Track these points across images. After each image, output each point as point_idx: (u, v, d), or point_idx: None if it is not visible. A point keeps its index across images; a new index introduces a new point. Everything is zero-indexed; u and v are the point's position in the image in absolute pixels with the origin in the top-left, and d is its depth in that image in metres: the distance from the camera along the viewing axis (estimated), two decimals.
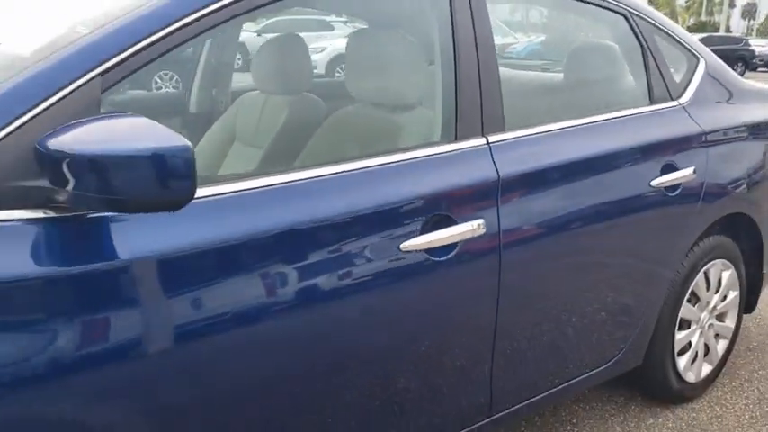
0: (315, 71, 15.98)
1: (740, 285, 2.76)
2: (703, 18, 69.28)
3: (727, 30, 48.65)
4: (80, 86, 1.23)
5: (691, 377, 2.65)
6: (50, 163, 1.14)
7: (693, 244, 2.45)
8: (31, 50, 1.33)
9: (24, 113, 1.18)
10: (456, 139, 1.78)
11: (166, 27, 1.35)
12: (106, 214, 1.23)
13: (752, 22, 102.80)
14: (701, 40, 2.95)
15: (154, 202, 1.14)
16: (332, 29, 21.41)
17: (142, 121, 1.17)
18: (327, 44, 16.81)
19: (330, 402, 1.57)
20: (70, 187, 1.13)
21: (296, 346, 1.45)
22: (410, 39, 1.89)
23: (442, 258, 1.65)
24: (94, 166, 1.11)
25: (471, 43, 1.82)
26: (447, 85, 1.81)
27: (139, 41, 1.31)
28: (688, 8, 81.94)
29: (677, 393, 2.64)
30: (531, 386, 2.08)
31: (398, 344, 1.66)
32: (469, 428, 1.91)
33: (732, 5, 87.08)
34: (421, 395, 1.76)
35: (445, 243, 1.65)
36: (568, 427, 2.49)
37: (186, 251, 1.29)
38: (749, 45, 31.61)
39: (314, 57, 16.26)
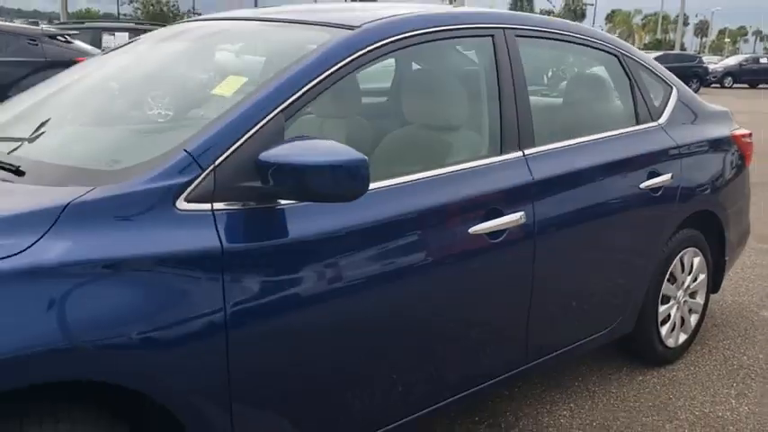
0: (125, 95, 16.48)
1: (707, 269, 3.42)
2: (659, 36, 71.66)
3: (682, 47, 50.60)
4: (273, 118, 1.80)
5: (671, 343, 3.28)
6: (264, 169, 1.70)
7: (672, 234, 3.09)
8: (229, 92, 1.89)
9: (242, 137, 1.74)
10: (501, 153, 2.38)
11: (316, 77, 1.92)
12: (293, 203, 1.78)
13: (704, 39, 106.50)
14: (657, 58, 3.60)
15: (338, 195, 1.71)
16: None
17: (327, 142, 1.74)
18: (146, 62, 17.38)
19: (442, 331, 2.18)
20: (271, 184, 1.70)
21: (417, 291, 2.05)
22: (465, 78, 2.50)
23: (496, 240, 2.25)
24: (296, 172, 1.67)
25: (509, 81, 2.43)
26: (493, 112, 2.41)
27: (302, 87, 1.88)
28: (644, 26, 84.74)
29: (660, 356, 3.27)
30: (555, 343, 2.68)
31: (468, 296, 2.24)
32: (515, 371, 2.50)
33: (686, 23, 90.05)
34: (488, 337, 2.37)
35: (498, 229, 2.25)
36: (575, 383, 3.09)
37: (353, 228, 1.87)
38: (703, 62, 33.15)
39: (129, 77, 16.71)
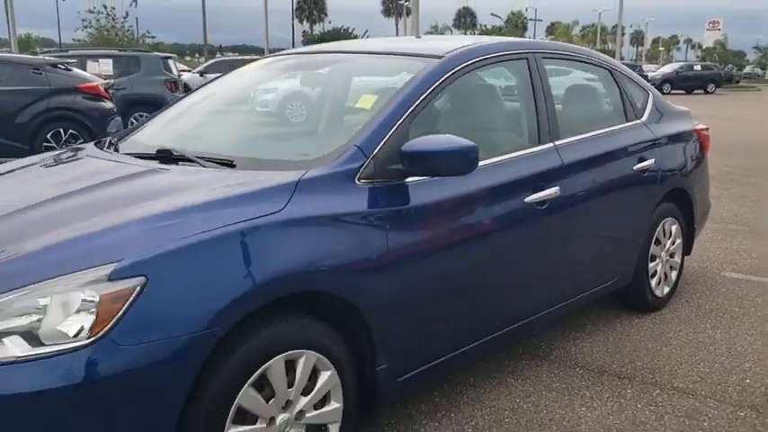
0: (267, 109, 17.31)
1: (682, 234, 4.35)
2: (598, 46, 74.58)
3: (621, 57, 52.99)
4: (402, 122, 2.61)
5: (658, 293, 4.18)
6: (404, 156, 2.50)
7: (656, 206, 4.00)
8: (368, 106, 2.70)
9: (387, 135, 2.54)
10: (539, 143, 3.24)
11: (423, 93, 2.74)
12: (415, 180, 2.57)
13: (639, 48, 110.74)
14: None
15: (456, 171, 2.52)
16: None
17: (445, 135, 2.55)
18: (279, 84, 18.02)
19: (511, 269, 3.03)
20: (407, 167, 2.50)
21: (496, 239, 2.87)
22: (513, 90, 3.35)
23: (541, 208, 3.09)
24: (420, 157, 2.47)
25: (542, 95, 3.29)
26: (532, 113, 3.27)
27: (416, 101, 2.69)
28: (583, 37, 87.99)
29: (651, 304, 4.16)
30: (580, 287, 3.54)
31: (526, 247, 3.08)
32: (558, 306, 3.35)
33: (622, 34, 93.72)
34: (540, 278, 3.21)
35: (542, 199, 3.10)
36: (589, 326, 3.94)
37: (454, 195, 2.68)
38: (643, 70, 35.05)
39: (266, 96, 17.50)
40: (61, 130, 9.57)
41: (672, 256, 4.31)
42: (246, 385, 2.08)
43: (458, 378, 3.20)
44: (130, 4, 35.64)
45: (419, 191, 2.59)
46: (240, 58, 21.94)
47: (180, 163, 2.65)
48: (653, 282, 4.13)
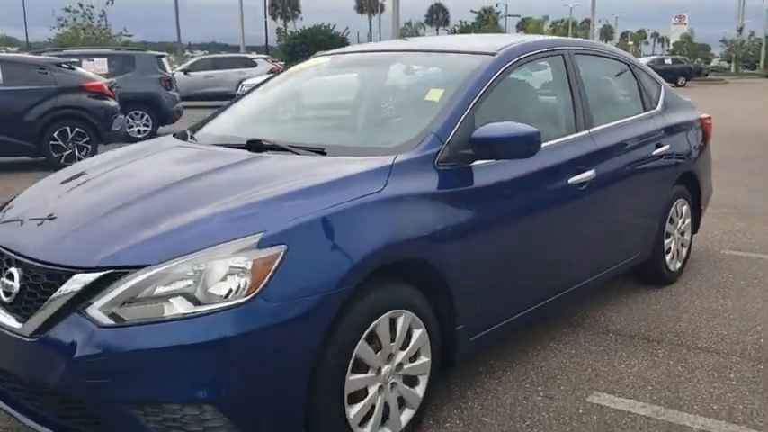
0: (340, 102, 17.52)
1: (691, 214, 4.75)
2: None
3: None
4: (469, 112, 2.95)
5: (672, 268, 4.59)
6: (473, 142, 2.84)
7: (671, 188, 4.39)
8: (437, 98, 3.03)
9: (457, 124, 2.88)
10: (576, 131, 3.60)
11: (481, 88, 3.08)
12: (483, 162, 2.91)
13: (609, 42, 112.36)
14: None
15: (520, 153, 2.87)
16: (255, 65, 22.91)
17: (510, 123, 2.89)
18: (344, 79, 18.34)
19: (558, 242, 3.38)
20: (476, 152, 2.84)
21: (546, 215, 3.22)
22: (555, 83, 3.70)
23: (581, 188, 3.46)
24: (489, 143, 2.82)
25: (577, 87, 3.66)
26: (568, 106, 3.63)
27: (478, 93, 3.04)
28: (554, 32, 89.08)
29: (666, 277, 4.56)
30: (609, 261, 3.91)
31: (570, 223, 3.44)
32: (596, 276, 3.72)
33: (589, 29, 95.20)
34: (582, 251, 3.58)
35: (582, 181, 3.46)
36: (614, 298, 4.32)
37: (511, 176, 3.02)
38: None
39: (337, 90, 17.66)
40: (68, 129, 9.74)
41: (682, 234, 4.71)
42: (362, 339, 2.40)
43: (507, 345, 3.55)
44: (107, 3, 35.34)
45: (484, 173, 2.94)
46: (226, 55, 22.06)
47: (268, 152, 2.96)
48: (668, 257, 4.53)
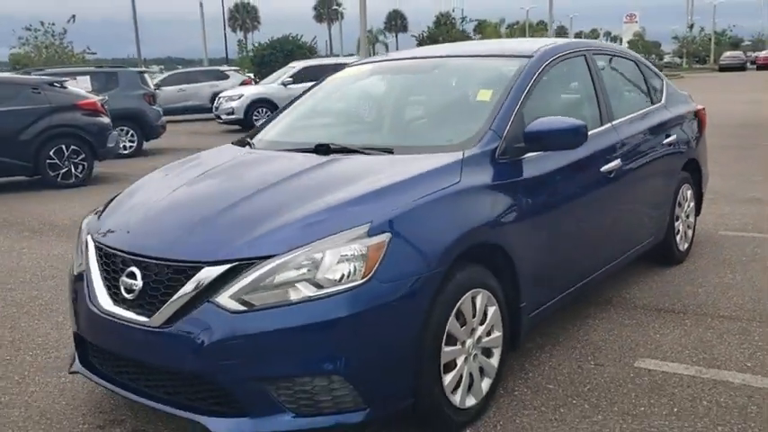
0: (234, 116, 17.69)
1: (695, 198, 5.14)
2: None
3: None
4: (518, 109, 3.26)
5: (681, 248, 4.96)
6: (527, 136, 3.15)
7: (678, 175, 4.77)
8: (488, 98, 3.33)
9: (510, 120, 3.18)
10: (601, 124, 3.94)
11: (525, 87, 3.39)
12: (532, 154, 3.22)
13: None
14: None
15: (569, 145, 3.18)
16: (227, 77, 23.02)
17: (558, 117, 3.20)
18: (244, 91, 18.44)
19: (597, 225, 3.70)
20: (528, 145, 3.16)
21: (585, 200, 3.54)
22: (581, 80, 4.03)
23: (610, 176, 3.79)
24: (542, 136, 3.13)
25: (599, 84, 4.00)
26: (593, 102, 3.96)
27: (523, 92, 3.35)
28: (511, 34, 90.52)
29: (676, 257, 4.93)
30: (633, 243, 4.25)
31: (603, 209, 3.77)
32: (625, 256, 4.06)
33: (547, 29, 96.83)
34: (614, 232, 3.92)
35: (612, 169, 3.79)
36: (633, 278, 4.67)
37: (557, 166, 3.34)
38: None
39: (232, 104, 17.89)
40: (63, 147, 9.81)
41: (688, 216, 5.09)
42: (452, 315, 2.68)
43: (549, 324, 3.86)
44: (68, 21, 34.99)
45: (534, 164, 3.25)
46: (198, 69, 22.15)
47: (335, 154, 3.22)
48: (677, 238, 4.90)
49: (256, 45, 28.34)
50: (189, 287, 2.45)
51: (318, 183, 2.88)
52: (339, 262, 2.42)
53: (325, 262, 2.41)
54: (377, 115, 3.80)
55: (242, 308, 2.38)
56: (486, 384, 2.93)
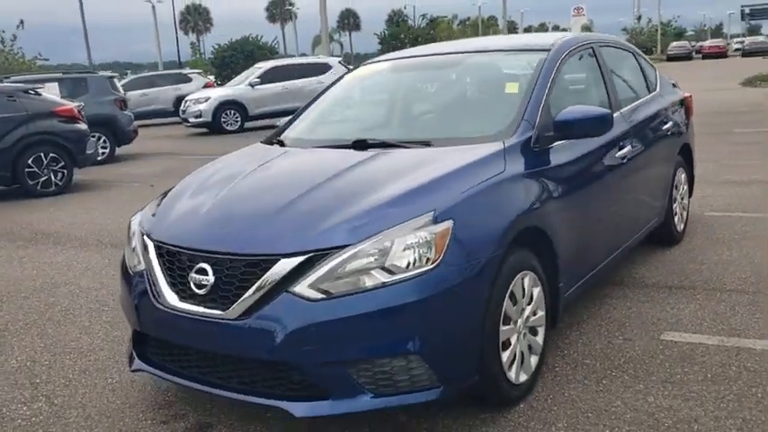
0: (202, 119, 17.59)
1: (688, 180, 5.41)
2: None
3: None
4: (545, 100, 3.43)
5: (679, 229, 5.22)
6: (556, 125, 3.33)
7: (675, 159, 5.02)
8: (516, 90, 3.50)
9: (539, 110, 3.35)
10: (612, 113, 4.14)
11: (549, 79, 3.57)
12: (557, 143, 3.39)
13: None
14: None
15: (595, 132, 3.37)
16: (190, 80, 22.83)
17: (584, 107, 3.38)
18: (211, 93, 18.34)
19: (614, 207, 3.89)
20: (557, 133, 3.33)
21: (604, 182, 3.74)
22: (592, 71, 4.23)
23: (623, 161, 4.00)
24: (571, 124, 3.31)
25: (607, 74, 4.21)
26: (602, 91, 4.16)
27: (548, 83, 3.52)
28: (464, 32, 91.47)
29: (675, 237, 5.19)
30: (641, 225, 4.48)
31: (619, 190, 3.97)
32: (629, 242, 4.27)
33: (497, 24, 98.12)
34: (629, 214, 4.12)
35: (624, 155, 4.00)
36: (640, 257, 4.89)
37: (580, 154, 3.52)
38: None
39: (199, 107, 17.77)
40: (42, 155, 9.68)
41: (683, 198, 5.36)
42: (507, 296, 2.84)
43: (571, 305, 4.04)
44: (17, 26, 34.09)
45: (561, 152, 3.42)
46: (161, 72, 21.94)
47: (372, 149, 3.35)
48: (675, 219, 5.15)
49: (216, 47, 28.06)
50: (266, 279, 2.55)
51: (372, 176, 3.00)
52: (408, 249, 2.55)
53: (395, 249, 2.54)
54: (405, 110, 3.93)
55: (320, 296, 2.50)
56: (534, 361, 3.10)
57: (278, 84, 18.28)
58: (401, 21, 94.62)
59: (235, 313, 2.59)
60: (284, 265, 2.55)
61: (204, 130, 18.27)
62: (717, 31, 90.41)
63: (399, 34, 22.80)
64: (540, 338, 3.15)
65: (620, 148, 3.97)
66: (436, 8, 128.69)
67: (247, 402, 2.68)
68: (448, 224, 2.61)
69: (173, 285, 2.81)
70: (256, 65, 19.80)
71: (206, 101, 17.74)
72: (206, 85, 22.88)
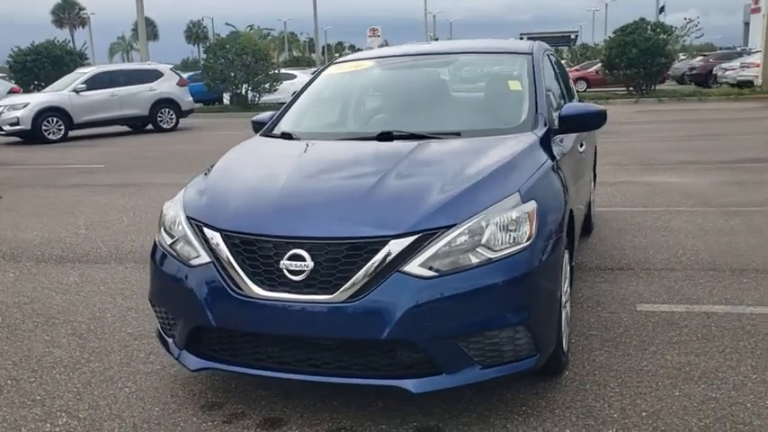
0: (20, 127, 15.94)
1: (593, 175, 6.07)
2: (295, 54, 78.10)
3: (312, 62, 56.93)
4: (545, 96, 3.76)
5: (592, 219, 5.84)
6: (560, 119, 3.67)
7: (593, 151, 5.63)
8: (519, 87, 3.79)
9: (545, 104, 3.67)
10: None
11: (541, 77, 3.92)
12: (557, 136, 3.74)
13: (312, 54, 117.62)
14: None
15: (594, 126, 3.76)
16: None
17: (583, 104, 3.76)
18: (29, 99, 16.80)
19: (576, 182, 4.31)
20: (561, 126, 3.69)
21: (574, 163, 4.15)
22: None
23: (582, 154, 4.46)
24: (576, 119, 3.68)
25: (561, 76, 4.66)
26: (560, 91, 4.60)
27: (542, 81, 3.86)
28: (272, 45, 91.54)
29: (591, 225, 5.79)
30: (586, 206, 4.98)
31: (583, 175, 4.41)
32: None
33: (298, 41, 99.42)
34: (581, 198, 4.56)
35: (582, 150, 4.46)
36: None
37: (572, 145, 3.90)
38: None
39: (15, 114, 16.11)
40: None
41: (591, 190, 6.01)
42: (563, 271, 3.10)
43: None
44: None
45: (560, 145, 3.76)
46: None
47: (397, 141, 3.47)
48: (591, 208, 5.77)
49: (14, 50, 25.51)
50: (376, 260, 2.57)
51: (441, 161, 3.16)
52: (507, 227, 2.70)
53: (495, 228, 2.68)
54: (414, 105, 4.03)
55: (433, 274, 2.57)
56: (567, 332, 3.39)
57: (106, 90, 17.12)
58: (200, 32, 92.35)
59: (343, 296, 2.58)
60: (394, 246, 2.59)
61: (18, 139, 16.58)
62: None
63: (226, 44, 22.38)
64: (569, 310, 3.44)
65: (581, 144, 4.43)
66: (236, 19, 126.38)
67: (355, 385, 2.68)
68: (533, 204, 2.81)
69: (254, 275, 2.71)
70: (79, 70, 18.37)
71: (24, 107, 16.12)
72: (11, 91, 20.78)
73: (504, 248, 2.68)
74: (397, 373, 2.65)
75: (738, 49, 39.05)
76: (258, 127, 4.21)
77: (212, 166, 3.50)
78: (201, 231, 2.88)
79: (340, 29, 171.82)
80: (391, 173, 3.00)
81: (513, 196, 2.80)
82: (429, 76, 4.39)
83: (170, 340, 3.05)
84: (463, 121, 3.85)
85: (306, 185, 3.06)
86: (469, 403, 2.99)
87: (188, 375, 3.32)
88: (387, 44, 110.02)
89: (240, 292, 2.71)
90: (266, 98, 25.04)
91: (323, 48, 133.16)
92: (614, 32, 25.12)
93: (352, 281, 2.58)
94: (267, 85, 24.75)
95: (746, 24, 65.98)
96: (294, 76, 28.69)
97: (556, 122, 3.69)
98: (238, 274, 2.72)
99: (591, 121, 3.72)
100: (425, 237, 2.62)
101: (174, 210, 3.10)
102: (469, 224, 2.66)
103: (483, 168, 3.00)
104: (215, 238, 2.82)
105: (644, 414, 2.86)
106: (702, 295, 4.26)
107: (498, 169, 2.99)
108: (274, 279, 2.68)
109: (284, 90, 26.96)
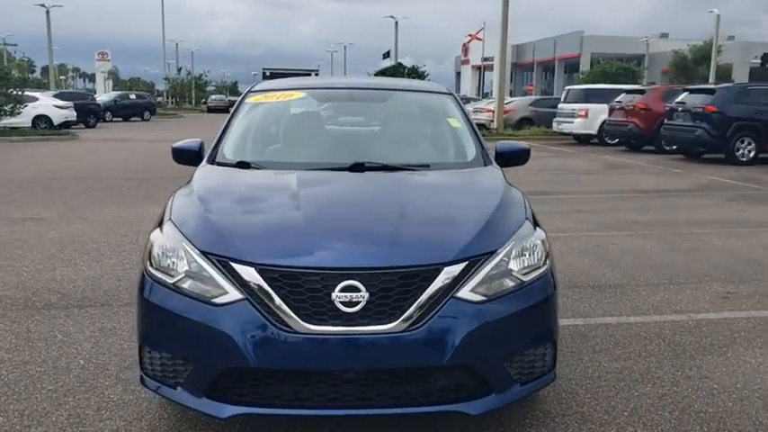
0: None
1: None
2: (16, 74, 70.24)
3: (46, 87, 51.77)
4: (478, 132, 4.09)
5: None
6: (499, 154, 4.04)
7: None
8: (459, 125, 4.07)
9: (480, 141, 4.02)
10: None
11: (468, 116, 4.26)
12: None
13: (31, 75, 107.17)
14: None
15: (521, 161, 4.16)
16: None
17: (510, 142, 4.13)
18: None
19: None
20: (496, 160, 4.07)
21: None
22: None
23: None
24: (509, 155, 4.07)
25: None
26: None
27: (471, 121, 4.20)
28: (24, 68, 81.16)
29: None
30: None
31: None
32: None
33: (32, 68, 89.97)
34: None
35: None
36: None
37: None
38: (95, 99, 35.56)
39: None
40: None
41: None
42: None
43: None
44: None
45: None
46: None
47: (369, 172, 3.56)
48: None
49: None
50: (433, 288, 2.64)
51: (442, 192, 3.37)
52: (529, 252, 2.94)
53: (521, 253, 2.90)
54: (365, 139, 4.04)
55: (482, 298, 2.71)
56: None
57: None
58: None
59: (403, 325, 2.60)
60: (449, 273, 2.68)
61: None
62: (234, 88, 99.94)
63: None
64: None
65: None
66: None
67: (415, 414, 2.68)
68: (543, 230, 3.10)
69: (299, 309, 2.61)
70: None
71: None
72: None
73: (530, 272, 2.90)
74: (450, 397, 2.73)
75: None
76: (180, 154, 3.96)
77: (189, 194, 3.26)
78: (227, 267, 2.68)
79: (65, 49, 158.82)
80: (407, 203, 3.09)
81: (527, 224, 3.06)
82: (372, 110, 4.49)
83: (178, 389, 2.76)
84: (423, 155, 4.02)
85: (327, 216, 3.02)
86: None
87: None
88: (117, 70, 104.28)
89: (287, 328, 2.58)
90: (5, 121, 22.29)
91: (44, 68, 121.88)
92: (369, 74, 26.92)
93: (411, 309, 2.61)
94: (9, 107, 22.09)
95: (458, 74, 75.48)
96: (36, 99, 26.02)
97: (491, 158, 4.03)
98: (283, 309, 2.60)
99: (521, 157, 4.12)
100: (473, 263, 2.75)
101: (172, 244, 2.84)
102: (506, 250, 2.85)
103: (489, 198, 3.23)
104: (249, 273, 2.65)
105: (626, 413, 3.27)
106: (588, 309, 4.87)
107: (503, 199, 3.25)
108: (324, 312, 2.61)
109: (27, 114, 24.38)
